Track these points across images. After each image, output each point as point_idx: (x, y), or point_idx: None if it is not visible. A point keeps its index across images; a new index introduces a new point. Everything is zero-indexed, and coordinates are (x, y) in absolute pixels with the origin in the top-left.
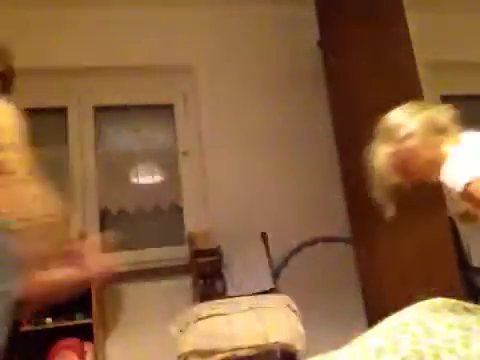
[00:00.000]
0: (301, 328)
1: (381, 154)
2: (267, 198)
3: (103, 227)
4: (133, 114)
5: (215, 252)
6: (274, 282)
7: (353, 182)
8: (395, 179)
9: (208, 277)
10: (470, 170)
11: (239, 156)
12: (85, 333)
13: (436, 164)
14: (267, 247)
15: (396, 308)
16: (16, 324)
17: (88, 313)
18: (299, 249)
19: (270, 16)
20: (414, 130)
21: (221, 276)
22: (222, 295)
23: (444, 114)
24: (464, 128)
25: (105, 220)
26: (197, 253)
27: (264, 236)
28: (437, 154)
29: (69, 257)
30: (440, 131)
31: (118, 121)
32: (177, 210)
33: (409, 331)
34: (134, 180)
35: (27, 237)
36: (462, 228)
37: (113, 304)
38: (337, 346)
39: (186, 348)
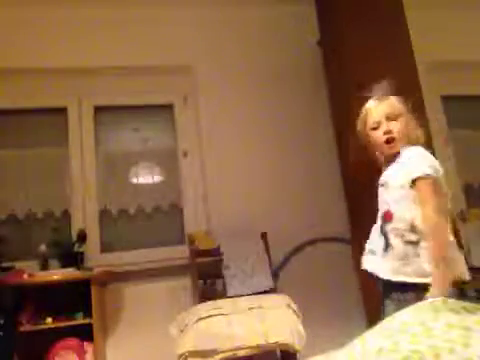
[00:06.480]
0: (301, 328)
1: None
2: (267, 198)
3: (103, 227)
4: (133, 114)
5: (215, 252)
6: (274, 282)
7: (353, 182)
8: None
9: (208, 277)
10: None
11: (239, 156)
12: (85, 333)
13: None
14: (267, 247)
15: None
16: (16, 324)
17: (88, 313)
18: (299, 249)
19: (270, 16)
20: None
21: (221, 276)
22: (222, 295)
23: None
24: (464, 128)
25: (105, 220)
26: (197, 253)
27: (264, 236)
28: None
29: None
30: None
31: (118, 121)
32: (177, 210)
33: (409, 331)
34: (134, 180)
35: None
36: (462, 228)
37: (113, 304)
38: (337, 346)
39: (186, 348)
